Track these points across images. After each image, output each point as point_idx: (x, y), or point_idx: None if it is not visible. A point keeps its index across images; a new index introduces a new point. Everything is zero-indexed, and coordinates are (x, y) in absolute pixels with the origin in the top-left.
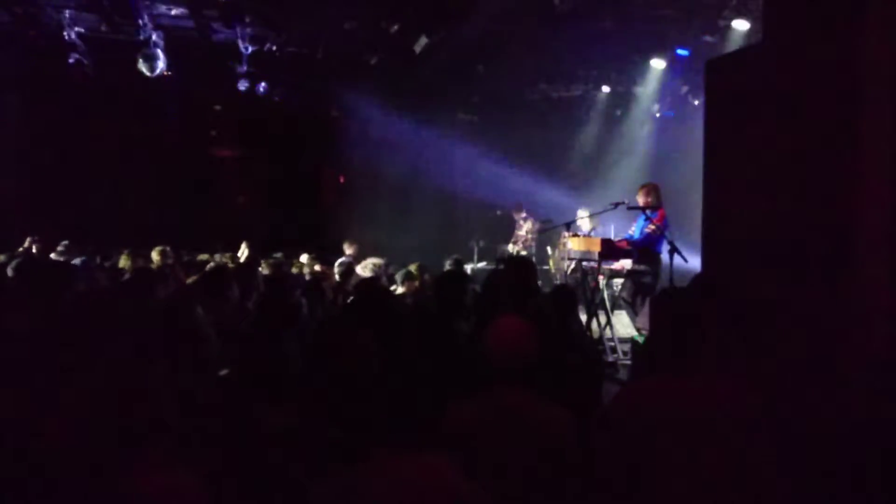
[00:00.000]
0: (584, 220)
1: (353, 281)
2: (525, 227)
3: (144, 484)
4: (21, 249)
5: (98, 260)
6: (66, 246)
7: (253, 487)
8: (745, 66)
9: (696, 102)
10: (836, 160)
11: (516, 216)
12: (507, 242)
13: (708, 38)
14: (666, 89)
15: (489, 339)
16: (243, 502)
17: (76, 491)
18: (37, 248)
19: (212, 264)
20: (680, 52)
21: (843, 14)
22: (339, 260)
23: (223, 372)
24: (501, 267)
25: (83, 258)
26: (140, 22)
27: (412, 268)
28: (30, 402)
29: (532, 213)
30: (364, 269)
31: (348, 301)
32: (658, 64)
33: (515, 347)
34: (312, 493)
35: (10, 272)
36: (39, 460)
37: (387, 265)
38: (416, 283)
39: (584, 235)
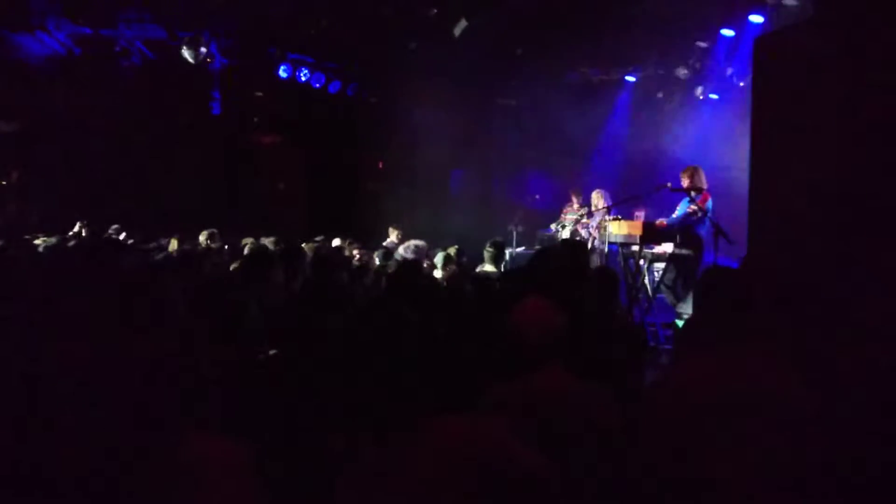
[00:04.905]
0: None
1: (392, 264)
2: (579, 212)
3: (191, 450)
4: (72, 233)
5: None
6: (115, 230)
7: (298, 458)
8: (797, 43)
9: (742, 84)
10: (892, 137)
11: (574, 198)
12: (546, 228)
13: (754, 18)
14: (710, 71)
15: (517, 320)
16: (288, 472)
17: (129, 456)
18: (87, 233)
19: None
20: (724, 32)
21: None
22: (383, 244)
23: (272, 352)
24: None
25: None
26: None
27: (451, 251)
28: (99, 372)
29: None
30: (406, 251)
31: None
32: (702, 45)
33: (544, 325)
34: (364, 456)
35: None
36: (108, 428)
37: (428, 248)
38: (454, 266)
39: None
